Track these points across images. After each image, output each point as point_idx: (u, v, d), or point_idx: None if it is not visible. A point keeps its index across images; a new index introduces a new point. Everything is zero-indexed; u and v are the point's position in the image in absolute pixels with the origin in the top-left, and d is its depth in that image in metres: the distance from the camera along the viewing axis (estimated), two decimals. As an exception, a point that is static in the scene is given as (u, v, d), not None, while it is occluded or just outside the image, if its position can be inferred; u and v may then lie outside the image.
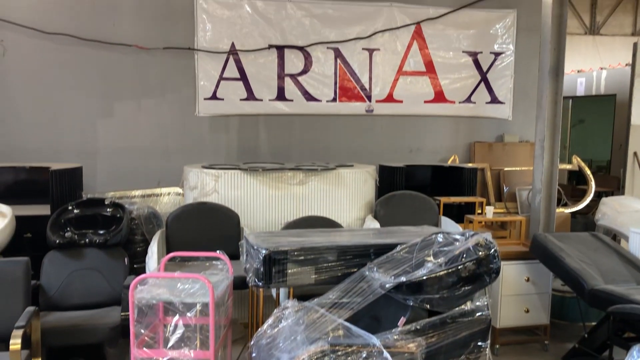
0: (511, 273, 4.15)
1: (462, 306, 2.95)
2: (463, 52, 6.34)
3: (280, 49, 5.90)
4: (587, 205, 6.40)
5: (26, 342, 2.93)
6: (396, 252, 3.22)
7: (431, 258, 3.03)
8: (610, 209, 5.19)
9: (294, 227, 4.33)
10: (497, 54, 6.46)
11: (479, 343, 2.99)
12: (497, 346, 4.19)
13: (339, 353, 2.64)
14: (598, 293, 3.41)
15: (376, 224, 4.62)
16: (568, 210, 6.15)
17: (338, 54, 6.04)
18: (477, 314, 2.98)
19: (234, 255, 4.01)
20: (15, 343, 2.48)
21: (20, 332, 2.53)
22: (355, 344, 2.69)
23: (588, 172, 6.31)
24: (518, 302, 4.19)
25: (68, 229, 3.91)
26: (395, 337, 2.78)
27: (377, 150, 6.27)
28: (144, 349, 2.97)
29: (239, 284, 3.84)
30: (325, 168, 4.76)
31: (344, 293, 3.14)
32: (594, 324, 4.05)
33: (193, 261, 3.93)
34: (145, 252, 4.24)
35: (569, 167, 6.50)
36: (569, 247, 3.86)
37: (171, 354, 2.93)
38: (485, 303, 3.02)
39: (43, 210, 4.34)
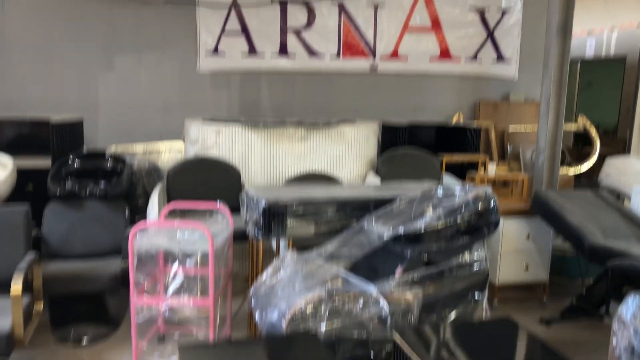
0: (512, 229, 4.14)
1: (460, 258, 2.96)
2: (470, 8, 6.21)
3: (284, 3, 5.78)
4: (591, 169, 6.36)
5: (28, 288, 2.97)
6: (395, 205, 3.21)
7: (430, 210, 3.02)
8: (614, 169, 5.16)
9: (295, 184, 4.32)
10: (504, 11, 6.32)
11: (476, 295, 3.00)
12: (496, 302, 4.22)
13: (336, 300, 2.66)
14: (598, 249, 3.41)
15: (378, 182, 4.61)
16: (572, 171, 6.11)
17: (342, 9, 5.92)
18: (475, 267, 2.99)
19: (235, 210, 4.02)
20: (17, 287, 2.50)
21: (21, 275, 2.55)
22: (352, 291, 2.71)
23: (593, 132, 6.24)
24: (518, 259, 4.20)
25: (69, 180, 3.92)
26: (392, 287, 2.79)
27: (381, 109, 6.20)
28: (144, 296, 3.00)
29: (239, 236, 3.85)
30: (328, 124, 4.72)
31: (342, 245, 3.15)
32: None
33: (193, 213, 3.95)
34: (146, 206, 4.26)
35: (574, 127, 6.42)
36: (570, 204, 3.85)
37: (170, 301, 2.97)
38: (484, 256, 3.03)
39: (44, 162, 4.33)
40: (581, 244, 3.50)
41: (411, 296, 2.78)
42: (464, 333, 1.85)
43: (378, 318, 2.72)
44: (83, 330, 3.53)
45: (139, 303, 2.97)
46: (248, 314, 3.62)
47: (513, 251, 4.18)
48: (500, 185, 5.19)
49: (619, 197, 5.22)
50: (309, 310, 2.63)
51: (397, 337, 1.82)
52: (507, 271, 4.20)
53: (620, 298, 3.52)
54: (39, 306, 2.91)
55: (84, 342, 3.46)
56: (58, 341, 3.48)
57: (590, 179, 6.64)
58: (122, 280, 3.38)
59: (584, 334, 3.84)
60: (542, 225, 4.18)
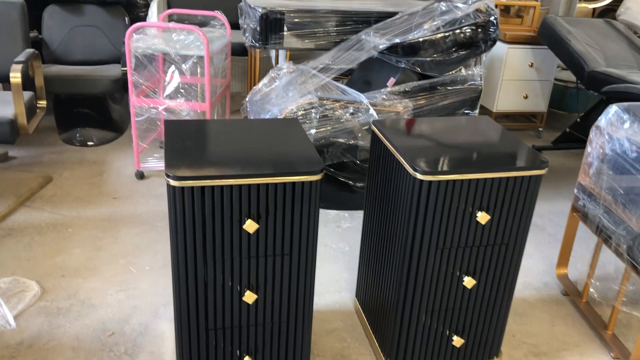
0: (515, 57, 4.08)
1: (455, 72, 2.96)
2: None
3: None
4: (612, 9, 6.04)
5: (30, 85, 3.05)
6: (396, 18, 3.15)
7: (429, 23, 2.96)
8: (635, 3, 4.92)
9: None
10: None
11: (467, 111, 3.06)
12: (491, 129, 4.29)
13: (327, 106, 2.73)
14: (597, 75, 3.37)
15: (384, 2, 4.46)
16: (592, 6, 5.83)
17: None
18: (469, 83, 3.00)
19: (236, 27, 3.97)
20: (16, 76, 2.56)
21: (19, 67, 2.60)
22: (343, 99, 2.76)
23: (621, -36, 5.83)
24: (518, 88, 4.19)
25: (66, -16, 3.83)
26: (383, 97, 2.84)
27: None
28: (143, 98, 3.08)
29: (239, 50, 3.85)
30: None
31: (338, 57, 3.15)
32: (590, 112, 4.09)
33: (192, 23, 3.91)
34: (146, 17, 4.21)
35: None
36: (578, 31, 3.74)
37: (168, 103, 3.05)
38: (478, 73, 3.02)
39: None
40: (582, 70, 3.46)
41: (401, 107, 2.84)
42: (439, 123, 1.92)
43: (367, 126, 2.80)
44: (88, 133, 3.68)
45: (138, 103, 3.05)
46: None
47: (514, 79, 4.15)
48: (514, 14, 5.00)
49: (635, 33, 5.03)
50: (299, 113, 2.71)
51: (373, 126, 1.89)
52: (506, 99, 4.21)
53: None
54: (42, 103, 3.00)
55: (90, 144, 3.62)
56: (65, 142, 3.65)
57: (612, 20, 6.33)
58: (123, 86, 3.45)
59: (572, 161, 3.96)
60: (547, 55, 4.11)
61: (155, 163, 3.34)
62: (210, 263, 1.59)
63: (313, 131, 2.74)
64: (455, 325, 1.89)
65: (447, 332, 1.89)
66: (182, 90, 3.16)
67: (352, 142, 2.81)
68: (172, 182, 1.46)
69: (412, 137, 1.81)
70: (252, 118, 2.93)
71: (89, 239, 2.63)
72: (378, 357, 2.00)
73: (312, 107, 2.71)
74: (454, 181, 1.62)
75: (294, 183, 1.55)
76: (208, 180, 1.48)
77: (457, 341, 1.90)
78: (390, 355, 1.91)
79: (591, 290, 2.39)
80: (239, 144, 1.68)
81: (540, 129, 4.35)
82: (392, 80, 2.86)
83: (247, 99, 3.12)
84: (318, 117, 2.72)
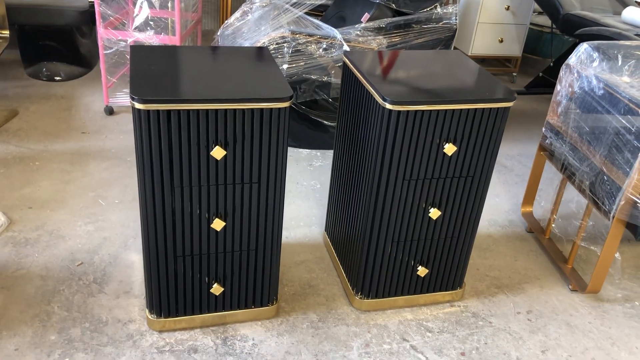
0: (492, 0, 4.04)
1: (429, 10, 2.92)
2: None
3: None
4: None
5: (-9, 14, 2.93)
6: (372, -47, 3.07)
7: (406, -42, 2.90)
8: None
9: None
10: None
11: (442, 49, 3.04)
12: (466, 73, 4.28)
13: (299, 41, 2.68)
14: (571, 17, 3.37)
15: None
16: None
17: None
18: (444, 21, 2.97)
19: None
20: (-26, 2, 2.46)
21: (-22, -8, 2.49)
22: (316, 34, 2.72)
23: None
24: (494, 31, 4.17)
25: None
26: (357, 33, 2.80)
27: None
28: (111, 30, 2.99)
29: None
30: None
31: (313, -9, 3.08)
32: (563, 57, 4.10)
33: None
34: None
35: None
36: (555, -27, 3.70)
37: (137, 36, 2.96)
38: (454, 12, 2.99)
39: None
40: (557, 13, 3.45)
41: (375, 44, 2.81)
42: (410, 56, 1.91)
43: (340, 63, 2.77)
44: (56, 68, 3.57)
45: (106, 35, 2.96)
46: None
47: (490, 23, 4.12)
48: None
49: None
50: (271, 47, 2.66)
51: (345, 58, 1.87)
52: (482, 43, 4.19)
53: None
54: (4, 33, 2.90)
55: (57, 79, 3.53)
56: (31, 76, 3.55)
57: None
58: (90, 18, 3.34)
59: (544, 105, 3.99)
60: (524, -3, 4.09)
61: (125, 98, 3.28)
62: (177, 190, 1.58)
63: (285, 66, 2.71)
64: (420, 255, 1.93)
65: (412, 262, 1.94)
66: (152, 23, 3.07)
67: (325, 79, 2.79)
68: (138, 105, 1.44)
69: (383, 68, 1.80)
70: (223, 52, 2.87)
71: (57, 172, 2.60)
72: (345, 286, 2.05)
73: (285, 41, 2.67)
74: (423, 111, 1.62)
75: (262, 109, 1.53)
76: (174, 104, 1.45)
77: (422, 271, 1.95)
78: (357, 284, 1.96)
79: (553, 226, 2.46)
80: (207, 70, 1.65)
81: (514, 73, 4.37)
82: (366, 16, 2.82)
83: (218, 33, 3.05)
84: (290, 51, 2.68)
